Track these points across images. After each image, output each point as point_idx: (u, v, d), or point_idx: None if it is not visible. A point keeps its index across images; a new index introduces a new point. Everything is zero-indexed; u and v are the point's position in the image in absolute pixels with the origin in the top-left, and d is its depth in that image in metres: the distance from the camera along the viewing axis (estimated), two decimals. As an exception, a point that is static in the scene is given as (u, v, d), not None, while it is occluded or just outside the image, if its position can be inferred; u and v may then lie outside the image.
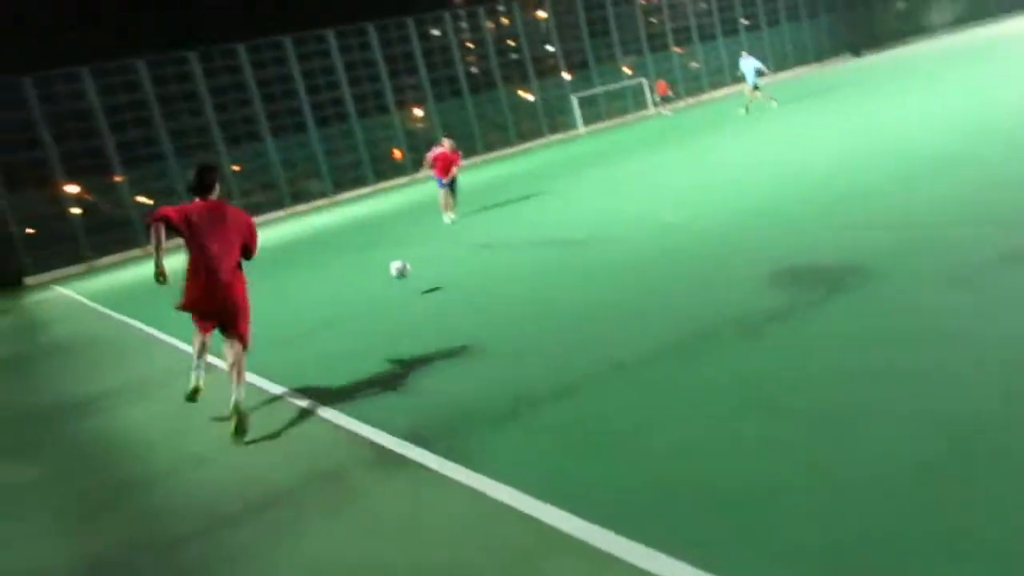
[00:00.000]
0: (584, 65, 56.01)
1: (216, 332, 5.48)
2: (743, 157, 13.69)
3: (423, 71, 49.70)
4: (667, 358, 4.55)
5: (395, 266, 9.04)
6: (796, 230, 6.95)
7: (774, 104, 23.19)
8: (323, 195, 45.39)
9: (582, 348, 5.13)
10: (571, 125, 52.76)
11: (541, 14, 57.53)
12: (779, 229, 7.16)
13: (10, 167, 38.36)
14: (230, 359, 5.35)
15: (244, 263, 5.59)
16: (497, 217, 14.16)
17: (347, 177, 46.65)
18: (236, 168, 44.26)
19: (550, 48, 56.17)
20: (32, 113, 38.86)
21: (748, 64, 23.09)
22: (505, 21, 57.26)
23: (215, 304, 5.32)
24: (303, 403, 5.46)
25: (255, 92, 44.39)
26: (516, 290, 7.41)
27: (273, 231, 29.53)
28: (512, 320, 6.29)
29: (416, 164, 47.61)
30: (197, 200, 5.40)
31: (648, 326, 5.23)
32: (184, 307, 5.35)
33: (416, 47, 49.45)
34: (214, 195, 5.48)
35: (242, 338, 5.43)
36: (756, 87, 23.24)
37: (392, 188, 42.05)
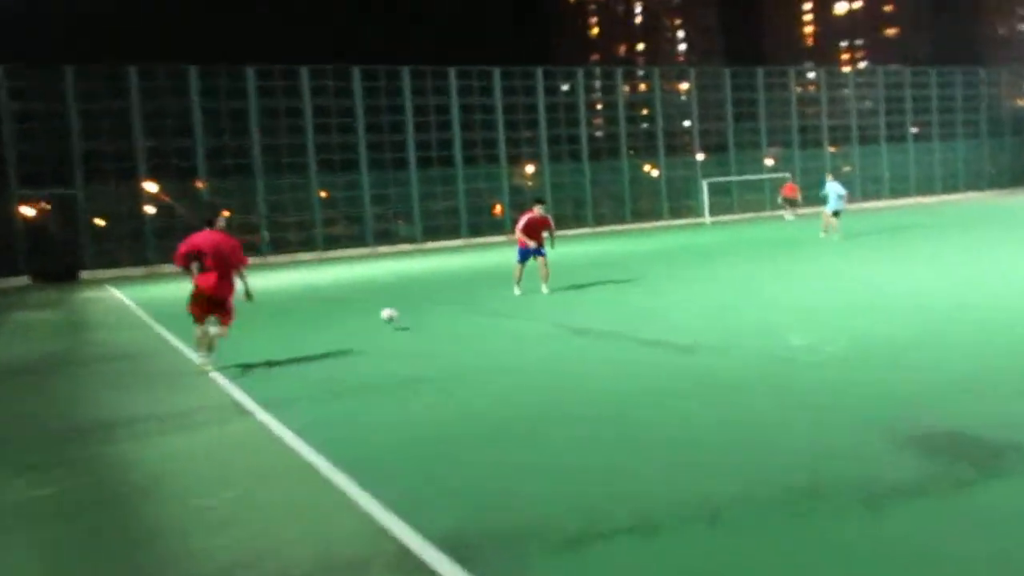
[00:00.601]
0: (722, 148, 56.10)
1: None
2: (890, 282, 13.21)
3: (543, 126, 50.72)
4: (768, 510, 4.24)
5: (386, 312, 11.92)
6: (945, 382, 6.54)
7: (836, 236, 24.05)
8: (411, 240, 46.38)
9: (671, 478, 4.86)
10: (696, 211, 52.62)
11: (683, 86, 58.21)
12: (923, 376, 6.76)
13: (92, 155, 40.66)
14: (213, 332, 9.65)
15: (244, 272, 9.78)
16: (597, 299, 14.07)
17: (440, 225, 47.61)
18: (323, 194, 45.76)
19: (686, 124, 56.58)
20: (129, 104, 41.35)
21: (833, 189, 24.09)
22: (642, 87, 58.17)
23: (209, 294, 9.48)
24: (332, 474, 5.36)
25: (360, 119, 46.13)
26: (605, 391, 7.20)
27: (351, 269, 30.18)
28: (595, 427, 6.07)
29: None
30: (205, 229, 9.70)
31: (752, 466, 4.93)
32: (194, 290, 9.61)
33: (540, 100, 50.61)
34: (217, 226, 9.74)
35: (224, 320, 9.69)
36: (836, 213, 24.17)
37: (486, 245, 42.60)
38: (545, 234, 15.50)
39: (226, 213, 10.49)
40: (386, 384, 8.23)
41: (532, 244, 15.27)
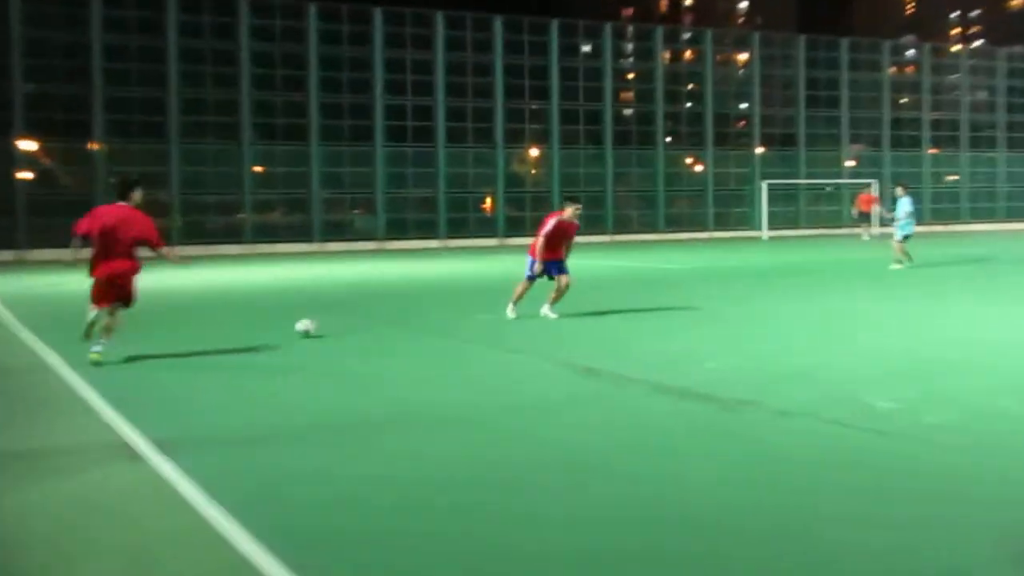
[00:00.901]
0: (789, 141, 56.40)
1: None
2: (1010, 333, 13.14)
3: (555, 97, 50.88)
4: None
5: (301, 325, 13.20)
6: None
7: (907, 263, 24.73)
8: (370, 236, 46.36)
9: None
10: (750, 222, 52.83)
11: (741, 56, 58.54)
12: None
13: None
14: (108, 320, 11.29)
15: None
16: (615, 330, 14.02)
17: (410, 219, 47.65)
18: (258, 170, 45.60)
19: (743, 106, 56.85)
20: (6, 33, 41.04)
21: (905, 206, 24.57)
22: (688, 54, 58.52)
23: (109, 278, 11.15)
24: (247, 545, 5.21)
25: (314, 72, 46.11)
26: (619, 463, 7.05)
27: (288, 271, 30.03)
28: (594, 514, 5.91)
29: (512, 225, 48.10)
30: (116, 203, 11.40)
31: None
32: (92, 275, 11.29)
33: (553, 62, 50.79)
34: (132, 201, 11.37)
35: (126, 304, 11.48)
36: (907, 237, 24.78)
37: (470, 250, 42.58)
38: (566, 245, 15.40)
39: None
40: (318, 428, 8.11)
41: (541, 266, 15.02)
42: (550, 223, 15.07)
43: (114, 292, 11.25)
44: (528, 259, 15.32)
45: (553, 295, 15.28)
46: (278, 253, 41.93)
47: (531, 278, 15.22)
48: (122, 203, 11.34)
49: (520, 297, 15.40)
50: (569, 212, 15.21)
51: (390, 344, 13.22)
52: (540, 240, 14.97)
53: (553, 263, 15.14)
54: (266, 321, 16.44)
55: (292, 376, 10.75)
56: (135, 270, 11.41)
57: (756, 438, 7.59)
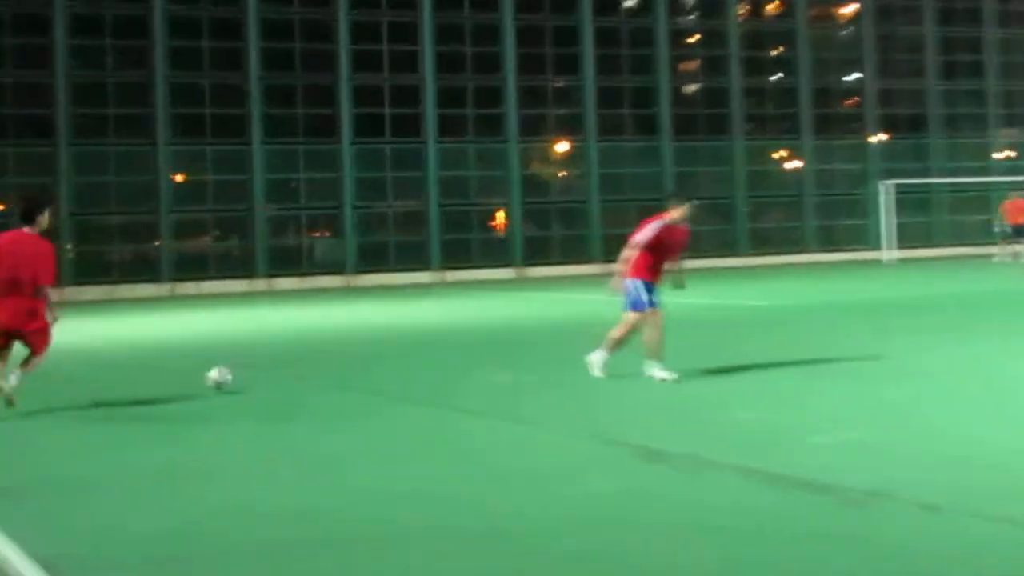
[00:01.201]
0: (917, 124, 56.39)
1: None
2: None
3: (589, 72, 50.95)
4: None
5: (213, 375, 14.63)
6: None
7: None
8: (336, 268, 46.35)
9: None
10: (866, 238, 52.78)
11: (845, 9, 58.57)
12: None
13: None
14: (12, 382, 12.58)
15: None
16: (688, 394, 13.98)
17: (391, 243, 47.62)
18: (179, 179, 45.63)
19: (851, 78, 56.84)
20: None
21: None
22: (769, 8, 58.55)
23: (7, 324, 12.50)
24: None
25: (253, 43, 46.32)
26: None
27: (220, 319, 30.05)
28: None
29: (534, 249, 47.95)
30: (23, 230, 12.57)
31: None
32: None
33: (586, 23, 50.91)
34: (38, 227, 12.48)
35: (36, 351, 12.91)
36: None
37: (475, 284, 42.59)
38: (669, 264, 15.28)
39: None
40: (253, 537, 7.99)
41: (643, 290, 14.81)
42: (651, 227, 14.85)
43: (9, 339, 12.74)
44: (633, 283, 14.86)
45: (654, 338, 14.87)
46: (208, 295, 42.00)
47: (638, 307, 14.77)
48: (27, 229, 12.55)
49: (624, 339, 14.99)
50: (679, 212, 15.07)
51: (357, 418, 13.22)
52: (635, 251, 14.77)
53: (652, 288, 14.86)
54: (182, 387, 16.39)
55: (215, 469, 10.69)
56: (36, 312, 12.77)
57: (890, 543, 7.40)
